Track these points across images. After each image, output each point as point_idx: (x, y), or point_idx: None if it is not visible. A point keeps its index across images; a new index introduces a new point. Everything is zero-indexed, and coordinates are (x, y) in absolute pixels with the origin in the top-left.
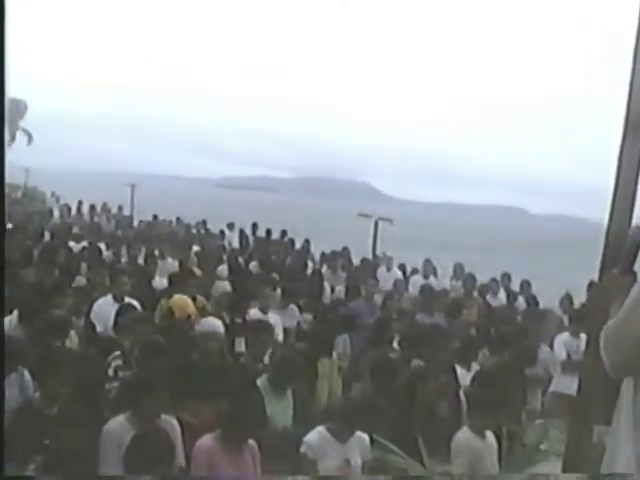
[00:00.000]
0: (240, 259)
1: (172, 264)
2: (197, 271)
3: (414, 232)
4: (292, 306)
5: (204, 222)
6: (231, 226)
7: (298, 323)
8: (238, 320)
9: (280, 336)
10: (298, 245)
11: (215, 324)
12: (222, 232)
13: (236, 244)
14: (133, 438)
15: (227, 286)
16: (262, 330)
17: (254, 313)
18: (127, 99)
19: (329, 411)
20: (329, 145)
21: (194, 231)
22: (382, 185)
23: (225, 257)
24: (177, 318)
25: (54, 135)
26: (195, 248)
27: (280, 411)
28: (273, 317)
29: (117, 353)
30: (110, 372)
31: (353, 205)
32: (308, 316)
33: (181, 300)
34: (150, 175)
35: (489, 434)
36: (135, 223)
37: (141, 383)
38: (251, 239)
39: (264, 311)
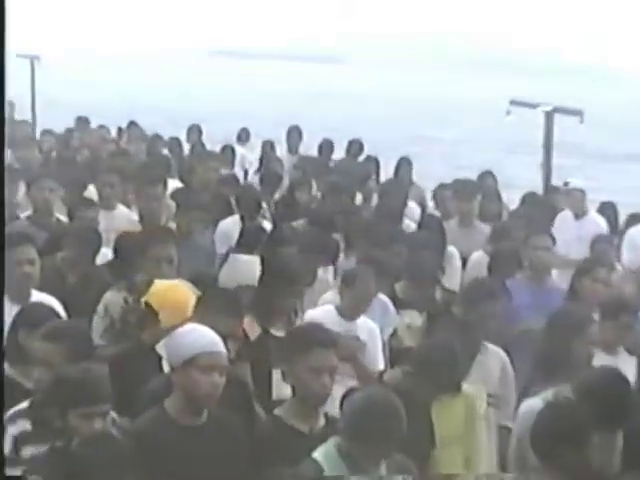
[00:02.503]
0: (266, 202)
1: (127, 217)
2: (174, 228)
3: (626, 138)
4: (381, 297)
5: (197, 130)
6: (245, 135)
7: (394, 331)
8: (274, 331)
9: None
10: (386, 171)
11: (204, 335)
12: (228, 149)
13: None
14: None
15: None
16: (321, 348)
17: (305, 315)
18: None
19: None
20: None
21: (166, 151)
22: (558, 51)
23: (233, 200)
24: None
25: None
26: (172, 183)
27: None
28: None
29: (23, 406)
30: (7, 447)
31: (497, 86)
32: (413, 315)
33: (173, 290)
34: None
35: None
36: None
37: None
38: (287, 159)
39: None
